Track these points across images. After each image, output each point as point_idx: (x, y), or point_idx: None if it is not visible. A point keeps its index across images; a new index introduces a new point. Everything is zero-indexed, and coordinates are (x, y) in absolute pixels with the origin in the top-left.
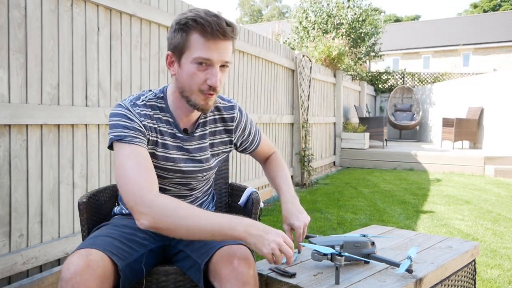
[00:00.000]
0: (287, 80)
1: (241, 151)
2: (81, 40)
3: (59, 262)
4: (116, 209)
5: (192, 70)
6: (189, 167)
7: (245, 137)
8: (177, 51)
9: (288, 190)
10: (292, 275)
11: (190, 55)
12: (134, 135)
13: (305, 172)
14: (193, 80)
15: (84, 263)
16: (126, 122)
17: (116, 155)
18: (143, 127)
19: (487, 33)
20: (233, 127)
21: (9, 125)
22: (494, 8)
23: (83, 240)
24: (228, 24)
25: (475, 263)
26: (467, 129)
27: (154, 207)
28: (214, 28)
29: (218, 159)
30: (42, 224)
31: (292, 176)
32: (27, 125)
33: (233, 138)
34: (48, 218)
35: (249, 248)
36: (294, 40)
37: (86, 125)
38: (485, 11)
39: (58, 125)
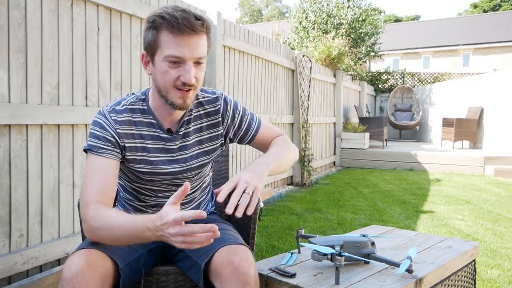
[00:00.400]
0: (287, 80)
1: (239, 142)
2: (81, 40)
3: (59, 262)
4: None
5: (164, 68)
6: (172, 168)
7: (236, 126)
8: (149, 50)
9: (267, 156)
10: (292, 275)
11: (161, 53)
12: (103, 145)
13: (305, 172)
14: (167, 78)
15: (85, 263)
16: (98, 131)
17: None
18: (116, 136)
19: (487, 33)
20: (220, 120)
21: (9, 125)
22: (494, 8)
23: (83, 240)
24: (198, 18)
25: (475, 263)
26: (467, 129)
27: (88, 221)
28: (181, 23)
29: (211, 156)
30: (42, 224)
31: (292, 176)
32: (27, 125)
33: (222, 131)
34: (48, 218)
35: (249, 248)
36: (294, 40)
37: (86, 125)
38: (485, 11)
39: (58, 125)
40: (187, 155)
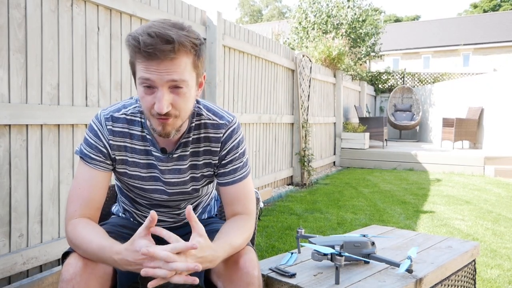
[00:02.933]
0: (287, 80)
1: (216, 177)
2: (81, 40)
3: (59, 262)
4: (114, 209)
5: (141, 94)
6: (164, 188)
7: (223, 162)
8: (131, 68)
9: (222, 242)
10: (292, 275)
11: (137, 74)
12: (94, 155)
13: (305, 172)
14: (144, 103)
15: (83, 263)
16: (92, 139)
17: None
18: (108, 147)
19: (487, 33)
20: (218, 149)
21: (9, 125)
22: (494, 8)
23: None
24: (169, 41)
25: (475, 263)
26: (467, 129)
27: (67, 233)
28: (143, 49)
29: (203, 183)
30: (42, 224)
31: (292, 176)
32: (27, 125)
33: (216, 162)
34: (48, 218)
35: (254, 248)
36: (294, 40)
37: (86, 125)
38: (485, 11)
39: (58, 125)
40: (179, 179)
